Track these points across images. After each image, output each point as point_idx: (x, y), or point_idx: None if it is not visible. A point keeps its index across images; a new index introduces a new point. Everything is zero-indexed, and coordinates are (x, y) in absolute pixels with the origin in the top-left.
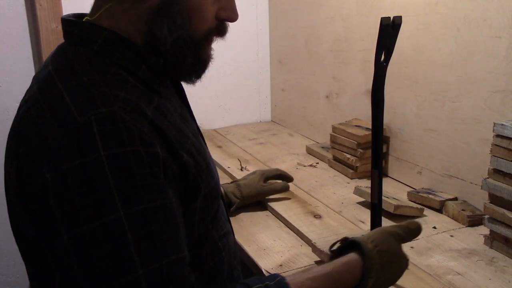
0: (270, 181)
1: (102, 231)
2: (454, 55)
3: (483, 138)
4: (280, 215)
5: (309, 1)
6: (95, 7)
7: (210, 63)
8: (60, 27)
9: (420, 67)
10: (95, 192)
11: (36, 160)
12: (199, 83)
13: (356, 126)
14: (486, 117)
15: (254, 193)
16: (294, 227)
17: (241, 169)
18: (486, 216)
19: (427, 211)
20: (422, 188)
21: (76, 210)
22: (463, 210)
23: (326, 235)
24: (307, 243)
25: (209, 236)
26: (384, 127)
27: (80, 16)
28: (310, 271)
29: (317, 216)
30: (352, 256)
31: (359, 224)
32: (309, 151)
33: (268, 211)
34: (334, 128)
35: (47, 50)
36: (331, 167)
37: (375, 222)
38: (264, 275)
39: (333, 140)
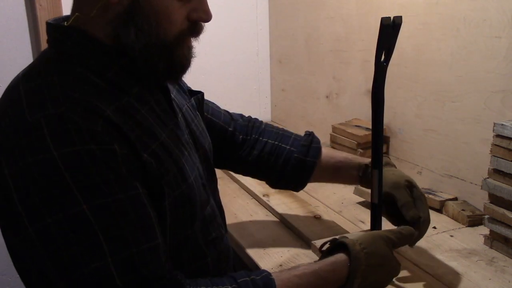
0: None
1: (67, 223)
2: (454, 55)
3: (483, 138)
4: (280, 215)
5: (309, 1)
6: (71, 13)
7: (188, 63)
8: None
9: (420, 67)
10: (54, 187)
11: None
12: (199, 83)
13: (356, 126)
14: (486, 117)
15: None
16: (294, 227)
17: None
18: (486, 216)
19: None
20: (422, 188)
21: (37, 204)
22: (463, 210)
23: (326, 235)
24: (307, 243)
25: (190, 241)
26: (384, 127)
27: (64, 19)
28: (297, 269)
29: (317, 216)
30: (339, 257)
31: (359, 224)
32: None
33: (268, 211)
34: (334, 128)
35: None
36: None
37: (375, 222)
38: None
39: (333, 140)
